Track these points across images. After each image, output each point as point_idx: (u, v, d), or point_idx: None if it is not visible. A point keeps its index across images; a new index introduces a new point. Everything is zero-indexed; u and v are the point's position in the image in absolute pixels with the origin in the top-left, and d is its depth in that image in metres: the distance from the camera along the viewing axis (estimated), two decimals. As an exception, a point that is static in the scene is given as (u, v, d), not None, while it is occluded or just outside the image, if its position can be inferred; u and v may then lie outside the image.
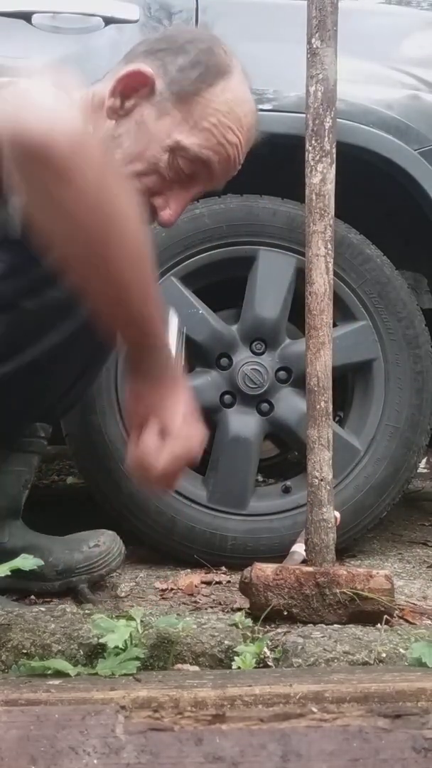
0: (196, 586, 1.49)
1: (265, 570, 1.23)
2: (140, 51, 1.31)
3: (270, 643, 1.11)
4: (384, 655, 1.07)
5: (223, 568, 1.64)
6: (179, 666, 1.07)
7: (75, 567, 1.39)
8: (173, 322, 1.24)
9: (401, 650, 1.08)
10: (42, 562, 1.03)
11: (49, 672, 0.89)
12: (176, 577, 1.55)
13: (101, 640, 1.00)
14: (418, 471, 2.12)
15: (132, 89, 1.26)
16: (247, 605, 1.27)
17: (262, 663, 1.07)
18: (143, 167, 1.28)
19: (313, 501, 1.28)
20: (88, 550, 1.40)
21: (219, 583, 1.54)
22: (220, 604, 1.39)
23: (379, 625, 1.19)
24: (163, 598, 1.42)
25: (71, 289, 1.13)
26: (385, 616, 1.20)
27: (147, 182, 1.29)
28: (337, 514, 1.33)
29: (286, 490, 1.73)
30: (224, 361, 1.69)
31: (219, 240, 1.68)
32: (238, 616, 1.18)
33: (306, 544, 1.30)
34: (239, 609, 1.28)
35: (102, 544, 1.42)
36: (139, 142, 1.27)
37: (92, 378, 1.47)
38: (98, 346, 1.30)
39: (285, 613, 1.21)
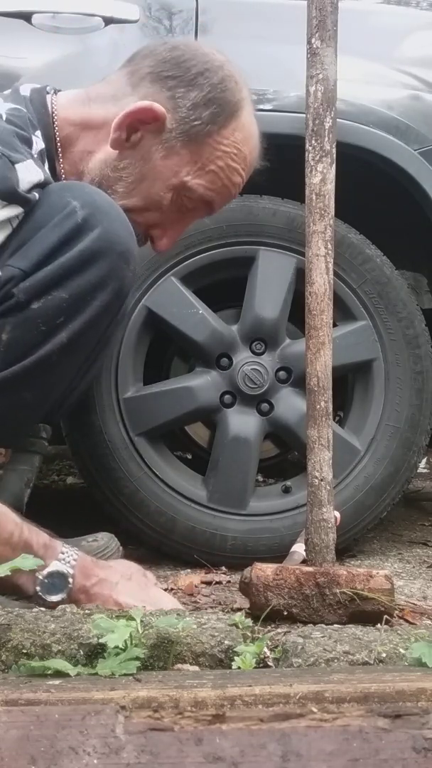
0: (196, 586, 1.49)
1: (265, 570, 1.23)
2: (146, 72, 1.27)
3: (270, 643, 1.11)
4: (384, 655, 1.07)
5: (223, 568, 1.64)
6: (179, 666, 1.07)
7: None
8: None
9: (401, 650, 1.08)
10: (42, 562, 1.03)
11: (49, 672, 0.89)
12: (176, 577, 1.55)
13: (101, 640, 1.00)
14: (418, 471, 2.12)
15: (141, 122, 1.25)
16: (247, 605, 1.27)
17: (262, 663, 1.07)
18: (144, 203, 1.28)
19: (313, 501, 1.28)
20: (86, 545, 1.40)
21: (219, 583, 1.54)
22: (220, 604, 1.39)
23: (379, 625, 1.19)
24: (163, 598, 1.42)
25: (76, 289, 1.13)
26: (385, 616, 1.20)
27: (146, 217, 1.30)
28: (337, 514, 1.33)
29: (286, 490, 1.73)
30: (224, 361, 1.69)
31: (219, 240, 1.68)
32: (238, 616, 1.17)
33: (306, 544, 1.30)
34: (239, 609, 1.28)
35: (100, 539, 1.43)
36: (143, 178, 1.26)
37: (94, 376, 1.46)
38: (104, 341, 1.29)
39: (285, 613, 1.21)
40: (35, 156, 1.22)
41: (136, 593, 1.19)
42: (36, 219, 1.17)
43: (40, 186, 1.19)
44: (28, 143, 1.22)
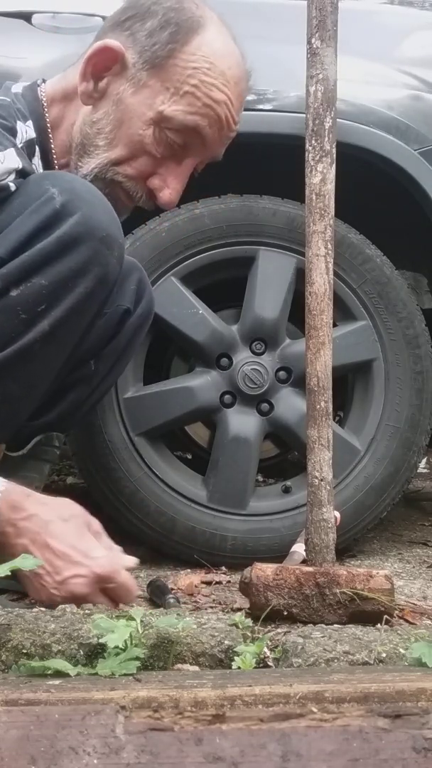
0: (196, 586, 1.49)
1: (265, 570, 1.23)
2: (108, 25, 1.24)
3: (270, 643, 1.11)
4: (384, 655, 1.07)
5: (223, 568, 1.64)
6: (179, 666, 1.07)
7: None
8: None
9: (401, 650, 1.08)
10: (42, 562, 1.02)
11: (49, 672, 0.89)
12: (176, 577, 1.55)
13: (101, 640, 1.00)
14: (418, 471, 2.12)
15: (103, 68, 1.21)
16: (247, 605, 1.27)
17: (262, 663, 1.07)
18: (128, 151, 1.23)
19: (313, 501, 1.28)
20: None
21: (219, 583, 1.54)
22: (220, 604, 1.38)
23: (379, 625, 1.19)
24: (163, 598, 1.42)
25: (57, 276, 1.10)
26: (385, 616, 1.20)
27: (137, 166, 1.24)
28: (337, 514, 1.33)
29: (286, 490, 1.73)
30: (224, 361, 1.69)
31: (219, 240, 1.68)
32: (238, 616, 1.17)
33: (306, 544, 1.30)
34: (239, 609, 1.28)
35: None
36: (120, 122, 1.22)
37: (109, 386, 1.45)
38: (89, 330, 1.27)
39: (285, 613, 1.21)
40: (20, 145, 1.21)
41: (68, 538, 1.08)
42: (14, 207, 1.15)
43: (20, 174, 1.16)
44: (12, 132, 1.20)
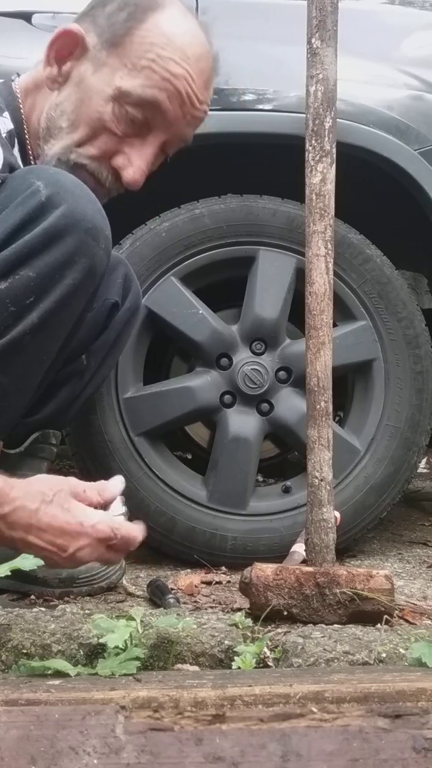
0: (196, 586, 1.49)
1: (265, 570, 1.23)
2: (76, 18, 1.28)
3: (270, 643, 1.11)
4: (384, 655, 1.07)
5: (223, 568, 1.64)
6: (179, 666, 1.07)
7: (77, 576, 1.38)
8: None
9: (401, 650, 1.08)
10: (42, 562, 1.02)
11: (49, 672, 0.89)
12: (176, 577, 1.55)
13: (101, 640, 1.00)
14: (418, 471, 2.12)
15: (66, 53, 1.23)
16: (247, 605, 1.27)
17: (262, 663, 1.07)
18: (89, 130, 1.24)
19: (313, 501, 1.28)
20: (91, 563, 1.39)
21: (219, 583, 1.54)
22: (220, 604, 1.38)
23: (379, 625, 1.19)
24: (163, 598, 1.42)
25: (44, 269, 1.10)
26: (385, 616, 1.20)
27: (99, 145, 1.25)
28: (337, 514, 1.33)
29: (286, 490, 1.73)
30: (224, 361, 1.69)
31: (219, 240, 1.68)
32: (238, 616, 1.17)
33: (306, 544, 1.30)
34: (239, 609, 1.28)
35: None
36: (81, 102, 1.23)
37: (102, 380, 1.46)
38: (79, 324, 1.27)
39: (285, 613, 1.21)
40: (4, 135, 1.23)
41: (59, 517, 1.07)
42: (0, 201, 1.16)
43: (7, 166, 1.18)
44: None
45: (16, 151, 1.29)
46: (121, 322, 1.41)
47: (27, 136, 1.30)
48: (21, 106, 1.30)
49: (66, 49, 1.24)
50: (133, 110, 1.22)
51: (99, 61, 1.23)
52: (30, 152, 1.31)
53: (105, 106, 1.22)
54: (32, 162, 1.31)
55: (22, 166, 1.28)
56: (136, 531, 1.12)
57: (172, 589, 1.43)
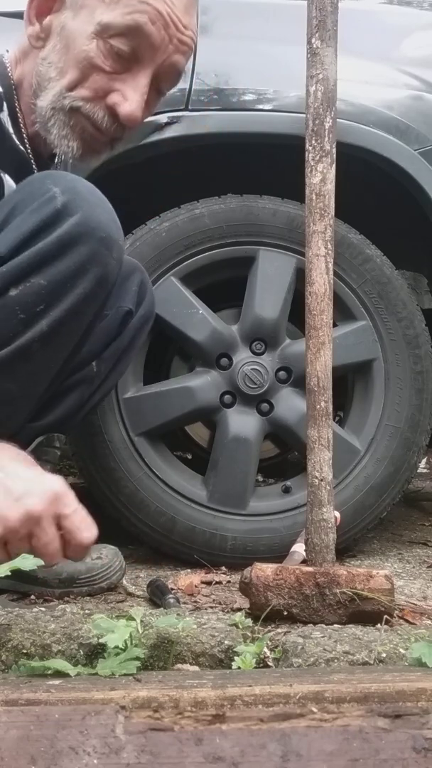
0: (196, 586, 1.49)
1: (265, 570, 1.23)
2: None
3: (270, 643, 1.11)
4: (384, 655, 1.07)
5: (223, 568, 1.64)
6: (179, 666, 1.07)
7: (77, 577, 1.38)
8: None
9: (401, 650, 1.08)
10: (42, 562, 1.02)
11: (49, 672, 0.89)
12: (176, 577, 1.55)
13: (101, 640, 1.00)
14: (418, 471, 2.12)
15: (45, 9, 1.25)
16: (247, 605, 1.27)
17: (262, 663, 1.07)
18: (78, 72, 1.23)
19: (313, 501, 1.28)
20: (90, 562, 1.39)
21: (219, 583, 1.54)
22: (220, 604, 1.38)
23: (379, 625, 1.19)
24: (163, 598, 1.42)
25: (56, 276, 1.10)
26: (385, 616, 1.20)
27: (90, 85, 1.24)
28: (337, 514, 1.33)
29: (286, 490, 1.73)
30: (224, 361, 1.69)
31: (219, 240, 1.68)
32: (238, 616, 1.17)
33: (306, 544, 1.30)
34: (239, 609, 1.28)
35: (104, 557, 1.41)
36: (66, 48, 1.23)
37: (110, 387, 1.45)
38: (89, 332, 1.27)
39: (285, 613, 1.21)
40: None
41: (20, 466, 1.05)
42: (16, 206, 1.15)
43: None
44: None
45: (5, 114, 1.28)
46: (133, 329, 1.41)
47: (17, 101, 1.30)
48: (11, 74, 1.31)
49: (45, 4, 1.24)
50: (117, 42, 1.21)
51: (77, 5, 1.23)
52: (21, 116, 1.31)
53: (89, 44, 1.21)
54: (22, 124, 1.31)
55: (10, 127, 1.28)
56: (90, 521, 1.04)
57: (172, 589, 1.44)
